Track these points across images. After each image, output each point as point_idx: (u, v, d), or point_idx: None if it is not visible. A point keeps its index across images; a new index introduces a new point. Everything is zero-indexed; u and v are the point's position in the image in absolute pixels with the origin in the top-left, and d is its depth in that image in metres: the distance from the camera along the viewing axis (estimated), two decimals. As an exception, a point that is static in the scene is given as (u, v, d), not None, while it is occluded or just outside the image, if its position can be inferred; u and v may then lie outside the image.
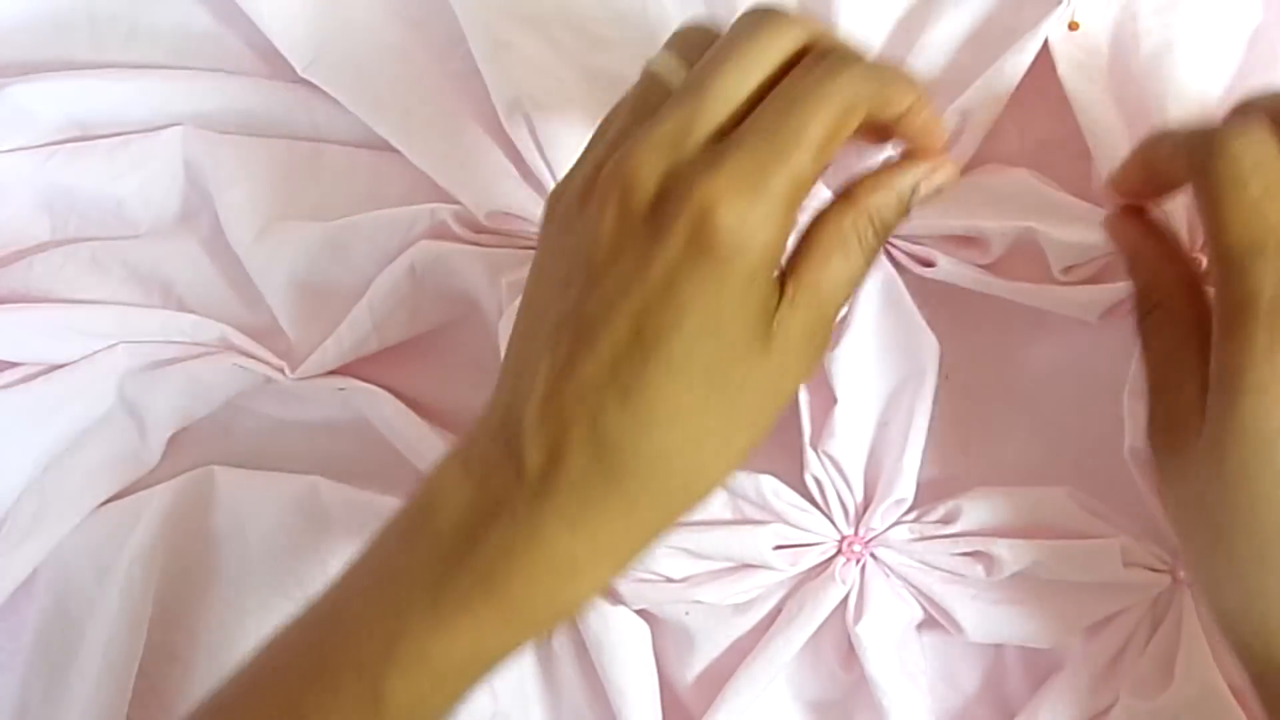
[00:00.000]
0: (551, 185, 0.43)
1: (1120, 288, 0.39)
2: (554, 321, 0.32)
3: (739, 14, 0.33)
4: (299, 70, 0.45)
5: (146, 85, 0.46)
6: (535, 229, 0.43)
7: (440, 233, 0.44)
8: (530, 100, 0.42)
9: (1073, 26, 0.40)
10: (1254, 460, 0.31)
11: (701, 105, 0.31)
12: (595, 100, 0.44)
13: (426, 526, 0.32)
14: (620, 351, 0.31)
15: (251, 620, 0.45)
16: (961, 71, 0.41)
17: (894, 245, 0.41)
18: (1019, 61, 0.39)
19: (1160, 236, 0.36)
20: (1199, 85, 0.40)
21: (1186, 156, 0.33)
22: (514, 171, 0.44)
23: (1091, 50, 0.41)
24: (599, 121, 0.44)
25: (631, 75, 0.45)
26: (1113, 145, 0.39)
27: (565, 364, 0.31)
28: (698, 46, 0.33)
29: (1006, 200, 0.40)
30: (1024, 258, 0.40)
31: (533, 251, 0.43)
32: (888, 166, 0.34)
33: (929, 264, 0.40)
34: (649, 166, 0.31)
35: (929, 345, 0.40)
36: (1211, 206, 0.31)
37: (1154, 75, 0.40)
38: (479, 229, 0.44)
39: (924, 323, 0.41)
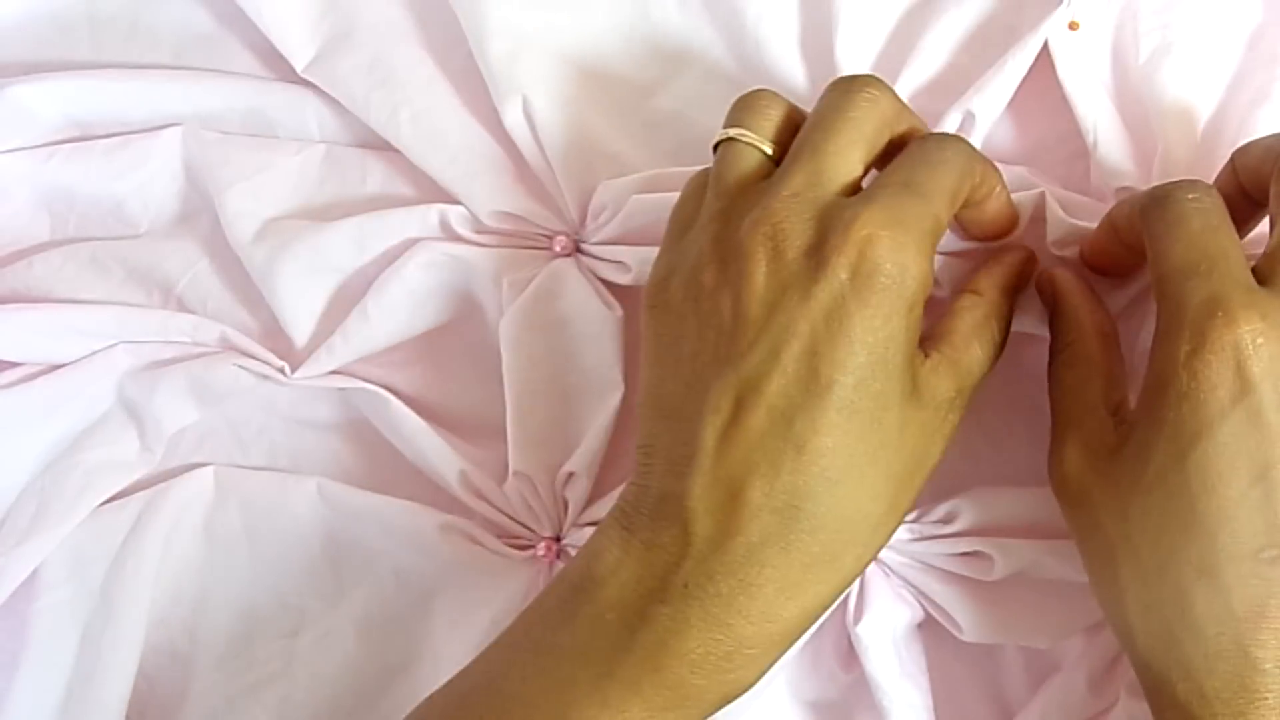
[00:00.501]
0: (551, 184, 0.43)
1: (1117, 297, 0.39)
2: (705, 388, 0.32)
3: (832, 80, 0.35)
4: (299, 70, 0.45)
5: (146, 85, 0.46)
6: (536, 228, 0.43)
7: (441, 233, 0.44)
8: (530, 100, 0.42)
9: (1073, 26, 0.40)
10: (1175, 462, 0.31)
11: (827, 161, 0.33)
12: (596, 101, 0.44)
13: (589, 603, 0.32)
14: (793, 399, 0.31)
15: (252, 620, 0.45)
16: (962, 71, 0.41)
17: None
18: (1019, 61, 0.39)
19: (1087, 287, 0.37)
20: (1198, 86, 0.40)
21: (1141, 209, 0.34)
22: (514, 171, 0.44)
23: (1091, 50, 0.41)
24: (598, 120, 0.44)
25: (632, 76, 0.45)
26: (1112, 145, 0.39)
27: (731, 423, 0.31)
28: (766, 111, 0.35)
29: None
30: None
31: (533, 251, 0.44)
32: (998, 262, 0.37)
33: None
34: (796, 214, 0.32)
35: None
36: (1157, 241, 0.33)
37: (1154, 75, 0.40)
38: (479, 229, 0.44)
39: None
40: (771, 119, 0.35)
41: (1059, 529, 0.40)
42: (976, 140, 0.40)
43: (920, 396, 0.33)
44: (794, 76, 0.42)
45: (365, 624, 0.44)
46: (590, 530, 0.39)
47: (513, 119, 0.43)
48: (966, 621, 0.41)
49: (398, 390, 0.44)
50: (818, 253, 0.31)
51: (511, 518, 0.43)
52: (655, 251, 0.41)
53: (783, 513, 0.31)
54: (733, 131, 0.35)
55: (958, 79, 0.41)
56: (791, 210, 0.32)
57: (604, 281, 0.43)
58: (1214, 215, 0.33)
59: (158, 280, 0.46)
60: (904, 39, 0.42)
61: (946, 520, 0.40)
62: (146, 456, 0.45)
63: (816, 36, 0.42)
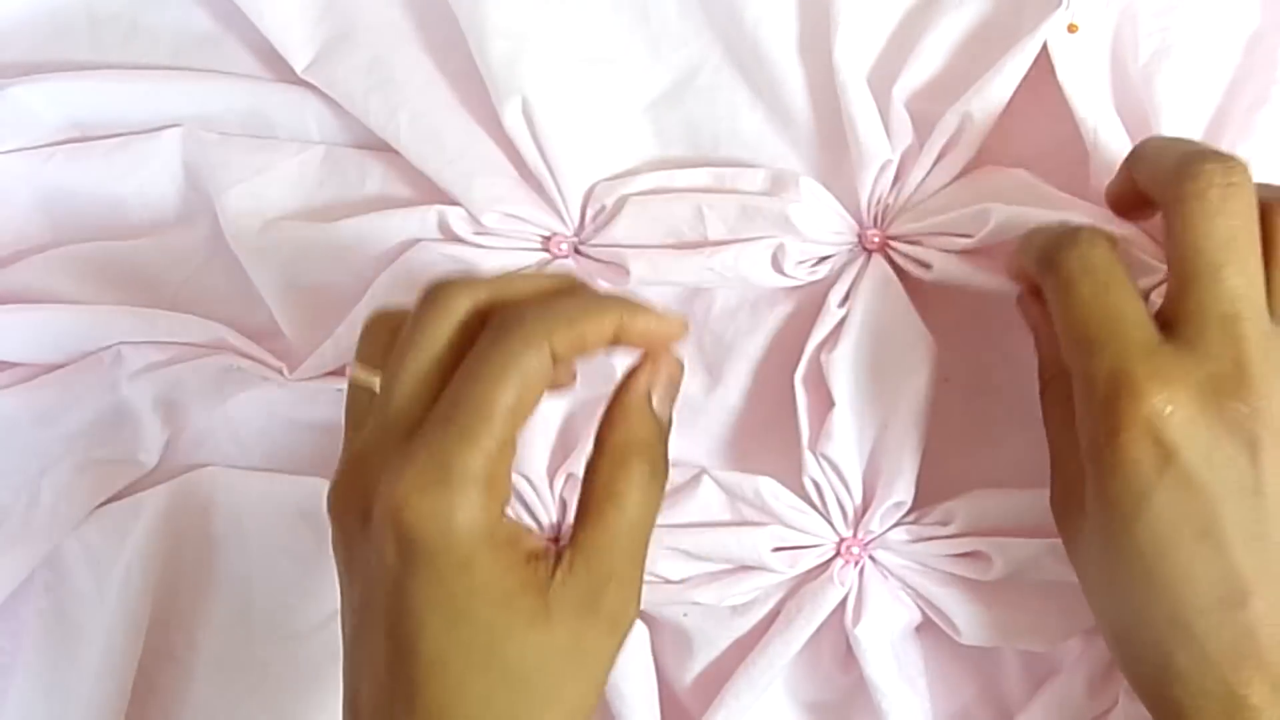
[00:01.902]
0: (551, 186, 0.43)
1: None
2: (344, 649, 0.33)
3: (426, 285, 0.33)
4: (298, 71, 0.45)
5: (146, 86, 0.46)
6: (535, 229, 0.43)
7: (440, 234, 0.44)
8: (530, 101, 0.42)
9: (1072, 29, 0.40)
10: (1122, 531, 0.32)
11: (389, 407, 0.31)
12: (596, 102, 0.44)
13: None
14: (391, 665, 0.31)
15: (250, 621, 0.45)
16: (960, 74, 0.41)
17: (892, 247, 0.41)
18: (1018, 64, 0.39)
19: None
20: (1197, 89, 0.40)
21: (1036, 260, 0.34)
22: (514, 172, 0.44)
23: (1090, 53, 0.41)
24: (598, 121, 0.44)
25: (632, 78, 0.45)
26: (1111, 148, 0.39)
27: (352, 690, 0.32)
28: (382, 338, 0.34)
29: (1004, 202, 0.40)
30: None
31: (532, 252, 0.44)
32: (618, 392, 0.33)
33: (927, 265, 0.40)
34: (347, 484, 0.32)
35: (927, 347, 0.40)
36: (1053, 306, 0.33)
37: (1152, 78, 0.40)
38: (478, 230, 0.43)
39: (922, 325, 0.41)
40: (378, 345, 0.34)
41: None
42: (974, 143, 0.40)
43: (551, 614, 0.31)
44: (792, 79, 0.42)
45: (364, 625, 0.44)
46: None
47: (512, 120, 0.43)
48: (965, 624, 0.41)
49: (396, 391, 0.44)
50: (368, 531, 0.31)
51: (509, 519, 0.43)
52: (654, 253, 0.42)
53: None
54: (349, 370, 0.35)
55: (956, 81, 0.41)
56: (348, 477, 0.32)
57: (603, 283, 0.43)
58: (1102, 271, 0.33)
59: (157, 281, 0.46)
60: (903, 41, 0.42)
61: (944, 521, 0.40)
62: (145, 457, 0.46)
63: (815, 39, 0.42)
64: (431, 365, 0.32)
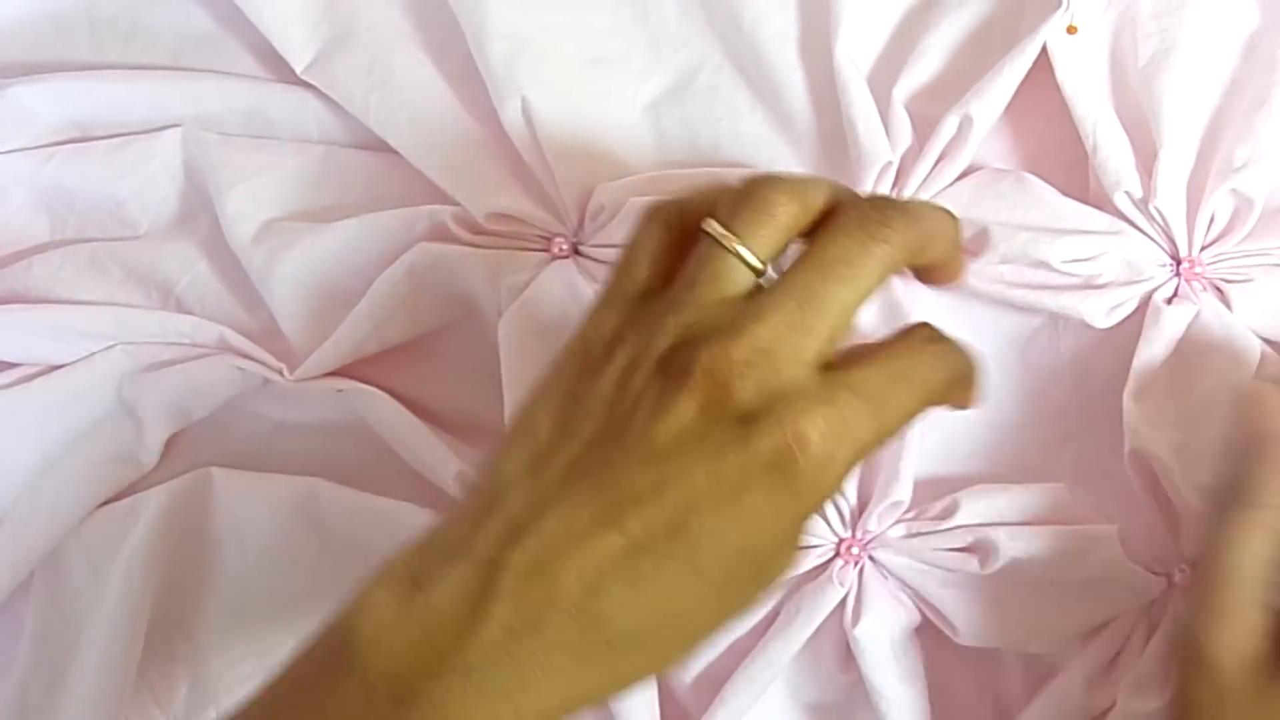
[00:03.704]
0: (551, 186, 0.43)
1: (1123, 291, 0.39)
2: (579, 474, 0.30)
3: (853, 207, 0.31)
4: (298, 71, 0.45)
5: (146, 86, 0.46)
6: (535, 229, 0.43)
7: (439, 234, 0.44)
8: (530, 101, 0.43)
9: (1071, 30, 0.40)
10: None
11: (808, 320, 0.30)
12: (595, 102, 0.44)
13: (355, 663, 0.29)
14: (654, 537, 0.29)
15: (250, 622, 0.45)
16: (961, 75, 0.41)
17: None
18: (1018, 65, 0.39)
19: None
20: (1196, 90, 0.40)
21: None
22: (513, 173, 0.44)
23: (1090, 54, 0.41)
24: (597, 122, 0.44)
25: (631, 78, 0.45)
26: (1111, 150, 0.39)
27: (584, 528, 0.29)
28: (771, 222, 0.31)
29: (1004, 203, 0.40)
30: (1024, 260, 0.40)
31: (531, 253, 0.44)
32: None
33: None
34: (753, 378, 0.29)
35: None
36: None
37: (1152, 80, 0.40)
38: (478, 230, 0.44)
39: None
40: (774, 234, 0.31)
41: (1057, 522, 0.40)
42: (975, 144, 0.40)
43: (765, 579, 0.31)
44: (792, 80, 0.42)
45: (363, 625, 0.44)
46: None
47: (512, 120, 0.43)
48: (964, 624, 0.41)
49: (395, 391, 0.44)
50: (751, 422, 0.29)
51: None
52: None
53: (588, 629, 0.29)
54: (722, 236, 0.31)
55: (956, 83, 0.41)
56: (750, 370, 0.29)
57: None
58: None
59: (157, 281, 0.46)
60: (903, 42, 0.42)
61: (943, 516, 0.40)
62: (145, 457, 0.46)
63: (815, 39, 0.42)
64: (860, 298, 0.31)
